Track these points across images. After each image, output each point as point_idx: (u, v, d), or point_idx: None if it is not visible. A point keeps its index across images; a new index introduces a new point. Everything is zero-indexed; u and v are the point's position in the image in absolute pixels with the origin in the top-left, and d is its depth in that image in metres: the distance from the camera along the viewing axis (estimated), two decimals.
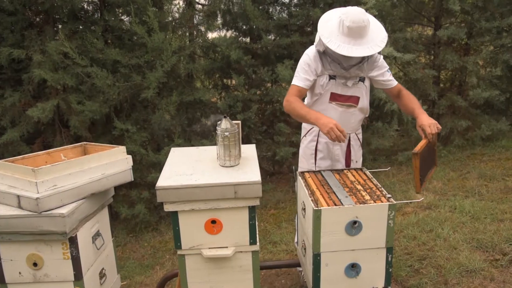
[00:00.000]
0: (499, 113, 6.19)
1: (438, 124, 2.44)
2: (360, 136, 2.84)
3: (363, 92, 2.63)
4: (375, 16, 4.86)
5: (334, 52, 2.43)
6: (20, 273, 2.13)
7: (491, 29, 5.63)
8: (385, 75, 2.64)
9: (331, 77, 2.59)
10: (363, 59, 2.55)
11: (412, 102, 2.62)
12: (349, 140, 2.75)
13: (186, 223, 2.08)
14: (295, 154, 5.59)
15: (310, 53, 2.60)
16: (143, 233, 5.03)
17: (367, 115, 2.81)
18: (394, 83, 2.68)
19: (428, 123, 2.42)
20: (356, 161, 2.81)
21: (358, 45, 2.39)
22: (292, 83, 2.62)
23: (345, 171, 2.57)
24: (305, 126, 2.84)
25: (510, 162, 5.08)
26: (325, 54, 2.56)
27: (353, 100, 2.63)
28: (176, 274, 2.79)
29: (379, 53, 2.61)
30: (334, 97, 2.62)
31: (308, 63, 2.58)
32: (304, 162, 2.86)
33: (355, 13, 2.39)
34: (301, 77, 2.58)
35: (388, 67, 2.68)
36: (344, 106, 2.64)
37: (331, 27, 2.46)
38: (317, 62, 2.57)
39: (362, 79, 2.61)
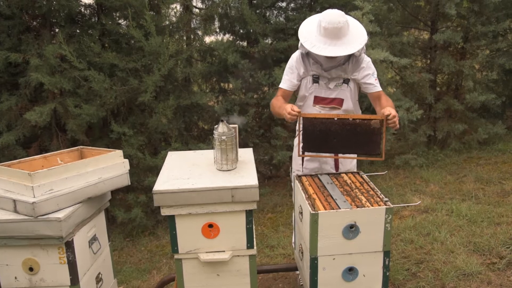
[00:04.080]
0: (496, 117, 6.22)
1: (397, 119, 2.33)
2: None
3: (347, 94, 2.65)
4: (371, 20, 4.90)
5: (310, 52, 2.50)
6: (16, 277, 2.12)
7: (487, 33, 5.67)
8: (369, 79, 2.63)
9: (315, 81, 2.64)
10: (345, 61, 2.58)
11: (387, 102, 2.54)
12: None
13: (183, 227, 2.07)
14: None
15: (294, 56, 2.71)
16: (140, 237, 5.01)
17: None
18: (377, 88, 2.64)
19: (389, 109, 2.33)
20: (345, 163, 2.80)
21: (333, 45, 2.44)
22: (279, 86, 2.76)
23: (342, 174, 2.57)
24: (296, 129, 2.86)
25: (507, 166, 5.10)
26: (308, 56, 2.63)
27: (337, 102, 2.65)
28: (173, 279, 2.78)
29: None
30: (318, 101, 2.67)
31: (292, 66, 2.69)
32: (294, 164, 2.91)
33: (332, 14, 2.46)
34: (285, 80, 2.71)
35: (374, 71, 2.65)
36: (326, 109, 2.68)
37: (311, 28, 2.56)
38: (300, 64, 2.65)
39: (346, 81, 2.62)
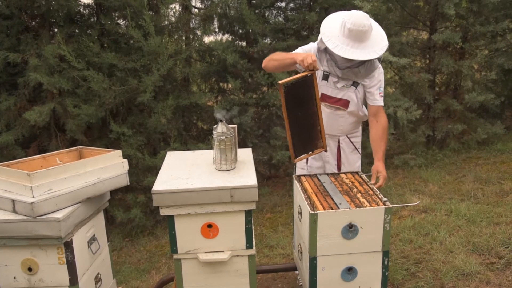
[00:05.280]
0: (494, 117, 6.22)
1: (384, 178, 2.48)
2: (355, 140, 2.82)
3: (353, 97, 2.63)
4: None
5: (332, 52, 2.45)
6: (15, 277, 2.12)
7: (485, 33, 5.67)
8: (375, 90, 2.62)
9: (324, 77, 2.62)
10: (360, 63, 2.55)
11: (381, 140, 2.60)
12: (339, 142, 2.75)
13: (182, 227, 2.07)
14: (291, 158, 5.59)
15: (313, 44, 2.66)
16: (139, 237, 5.01)
17: (364, 120, 2.80)
18: (377, 102, 2.63)
19: (381, 173, 2.49)
20: (348, 165, 2.80)
21: (356, 48, 2.41)
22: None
23: (341, 174, 2.58)
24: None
25: (506, 166, 5.10)
26: (325, 52, 2.59)
27: (342, 103, 2.64)
28: (172, 279, 2.78)
29: (379, 60, 2.61)
30: (324, 98, 2.64)
31: (307, 49, 2.64)
32: (299, 162, 2.88)
33: (358, 16, 2.42)
34: (295, 52, 2.64)
35: (382, 84, 2.63)
36: (332, 108, 2.66)
37: (334, 27, 2.50)
38: (315, 55, 2.59)
39: (355, 85, 2.61)
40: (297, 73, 2.43)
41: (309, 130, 2.46)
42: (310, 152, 2.51)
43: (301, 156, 2.49)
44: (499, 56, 5.76)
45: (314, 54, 2.60)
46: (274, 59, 2.59)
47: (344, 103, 2.64)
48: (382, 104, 2.65)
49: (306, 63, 2.31)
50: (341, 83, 2.61)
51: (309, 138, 2.48)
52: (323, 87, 2.63)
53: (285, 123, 2.37)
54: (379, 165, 2.51)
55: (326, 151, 2.59)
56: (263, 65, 2.66)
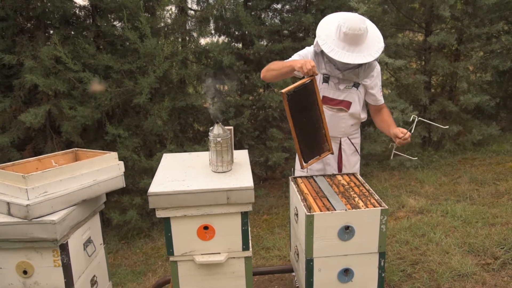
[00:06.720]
0: (490, 118, 6.25)
1: (409, 135, 2.46)
2: (356, 141, 2.83)
3: (355, 98, 2.64)
4: None
5: (327, 55, 2.46)
6: (10, 281, 2.10)
7: (480, 35, 5.70)
8: (376, 90, 2.66)
9: (325, 80, 2.62)
10: (359, 65, 2.56)
11: (389, 118, 2.66)
12: (340, 144, 2.76)
13: (179, 229, 2.07)
14: (288, 160, 5.60)
15: (309, 48, 2.67)
16: (135, 239, 5.00)
17: (363, 121, 2.81)
18: (380, 102, 2.69)
19: (401, 130, 2.47)
20: (349, 166, 2.81)
21: (351, 51, 2.42)
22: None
23: (338, 176, 2.58)
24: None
25: (501, 167, 5.13)
26: (322, 55, 2.60)
27: (344, 105, 2.65)
28: (168, 281, 2.77)
29: (379, 63, 2.63)
30: (325, 101, 2.65)
31: (305, 56, 2.64)
32: (298, 164, 2.88)
33: (354, 20, 2.42)
34: (291, 58, 2.64)
35: (380, 82, 2.67)
36: (334, 110, 2.66)
37: (329, 30, 2.50)
38: (312, 59, 2.59)
39: (356, 85, 2.62)
40: (295, 79, 2.44)
41: (315, 134, 2.48)
42: (318, 157, 2.52)
43: (310, 161, 2.50)
44: (494, 58, 5.79)
45: (311, 58, 2.61)
46: (272, 69, 2.61)
47: (346, 104, 2.65)
48: (383, 101, 2.72)
49: (306, 69, 2.32)
50: (343, 85, 2.62)
51: (315, 142, 2.50)
52: (324, 90, 2.64)
53: (291, 130, 2.39)
54: (399, 128, 2.52)
55: (333, 153, 2.60)
56: (261, 76, 2.69)
